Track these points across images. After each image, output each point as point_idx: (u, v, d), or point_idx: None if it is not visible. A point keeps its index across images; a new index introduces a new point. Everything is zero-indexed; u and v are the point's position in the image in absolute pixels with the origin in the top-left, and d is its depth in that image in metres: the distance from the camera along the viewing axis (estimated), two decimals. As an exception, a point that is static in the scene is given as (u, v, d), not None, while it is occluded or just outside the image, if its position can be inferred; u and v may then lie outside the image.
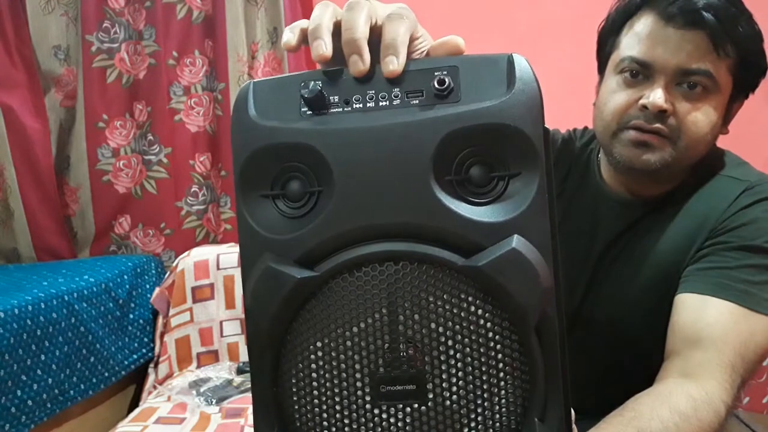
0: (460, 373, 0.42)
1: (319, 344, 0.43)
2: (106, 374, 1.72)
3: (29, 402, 1.45)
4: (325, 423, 0.43)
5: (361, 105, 0.43)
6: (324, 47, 0.43)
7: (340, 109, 0.43)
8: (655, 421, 0.64)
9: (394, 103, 0.43)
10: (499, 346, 0.42)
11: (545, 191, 0.42)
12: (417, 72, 0.43)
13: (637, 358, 0.86)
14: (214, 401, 1.60)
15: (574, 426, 0.47)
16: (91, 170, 2.02)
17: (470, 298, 0.41)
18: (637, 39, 0.81)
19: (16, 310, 1.43)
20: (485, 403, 0.42)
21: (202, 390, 1.65)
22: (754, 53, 0.81)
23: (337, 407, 0.43)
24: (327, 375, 0.43)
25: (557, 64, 1.82)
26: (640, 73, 0.81)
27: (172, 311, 1.84)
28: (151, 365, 1.88)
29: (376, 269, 0.42)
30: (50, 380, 1.51)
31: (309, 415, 0.43)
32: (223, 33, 1.96)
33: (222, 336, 1.85)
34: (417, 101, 0.43)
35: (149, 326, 1.92)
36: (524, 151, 0.42)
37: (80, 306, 1.64)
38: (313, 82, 0.43)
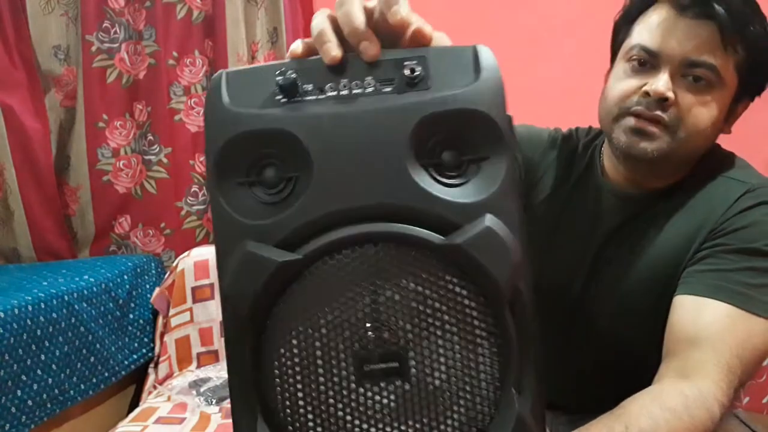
0: (440, 350, 0.43)
1: (301, 328, 0.43)
2: (106, 374, 1.72)
3: (29, 402, 1.45)
4: (309, 407, 0.44)
5: (335, 93, 0.44)
6: (333, 49, 0.44)
7: (315, 97, 0.44)
8: (645, 417, 0.65)
9: (368, 90, 0.44)
10: (476, 321, 0.43)
11: (514, 173, 0.44)
12: (388, 61, 0.45)
13: (635, 357, 0.86)
14: (214, 401, 1.60)
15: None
16: (91, 170, 2.01)
17: (447, 276, 0.43)
18: (648, 28, 0.82)
19: (16, 310, 1.43)
20: (465, 378, 0.43)
21: (202, 390, 1.65)
22: (762, 54, 0.81)
23: (322, 389, 0.43)
24: (310, 358, 0.43)
25: (557, 65, 1.83)
26: (647, 62, 0.81)
27: (172, 311, 1.84)
28: (151, 365, 1.88)
29: (357, 251, 0.43)
30: (50, 380, 1.51)
31: (293, 399, 0.44)
32: (223, 33, 1.95)
33: (222, 336, 1.85)
34: (389, 89, 0.44)
35: (149, 326, 1.92)
36: (492, 135, 0.44)
37: (80, 306, 1.64)
38: (288, 71, 0.44)
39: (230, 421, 1.51)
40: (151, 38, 1.99)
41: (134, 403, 1.87)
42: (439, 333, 0.43)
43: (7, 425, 1.39)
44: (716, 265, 0.79)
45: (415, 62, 0.44)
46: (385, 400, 0.43)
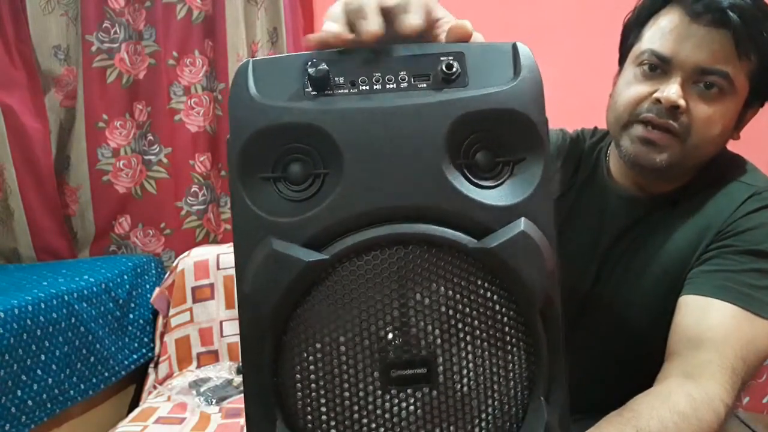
0: (470, 356, 0.42)
1: (325, 330, 0.42)
2: (106, 374, 1.72)
3: (29, 402, 1.45)
4: (332, 412, 0.42)
5: (367, 87, 0.43)
6: (373, 24, 0.43)
7: (347, 91, 0.43)
8: (654, 421, 0.64)
9: (401, 85, 0.43)
10: (507, 328, 0.42)
11: (549, 176, 0.43)
12: (423, 56, 0.43)
13: (640, 358, 0.86)
14: (214, 401, 1.60)
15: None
16: (91, 170, 2.01)
17: (479, 281, 0.42)
18: (660, 33, 0.81)
19: (16, 310, 1.43)
20: (494, 386, 0.42)
21: (202, 390, 1.65)
22: None
23: (346, 394, 0.42)
24: (335, 362, 0.42)
25: (557, 65, 1.82)
26: (658, 67, 0.80)
27: (172, 311, 1.84)
28: (151, 365, 1.88)
29: (385, 253, 0.41)
30: (50, 380, 1.51)
31: (315, 405, 0.42)
32: (223, 33, 1.96)
33: (222, 336, 1.85)
34: (424, 85, 0.43)
35: (149, 326, 1.91)
36: (529, 137, 0.43)
37: (80, 306, 1.64)
38: (319, 62, 0.42)
39: (230, 421, 1.50)
40: (151, 38, 1.99)
41: (134, 403, 1.87)
42: (468, 339, 0.42)
43: (7, 425, 1.38)
44: (722, 266, 0.78)
45: (452, 58, 0.43)
46: (411, 407, 0.42)
